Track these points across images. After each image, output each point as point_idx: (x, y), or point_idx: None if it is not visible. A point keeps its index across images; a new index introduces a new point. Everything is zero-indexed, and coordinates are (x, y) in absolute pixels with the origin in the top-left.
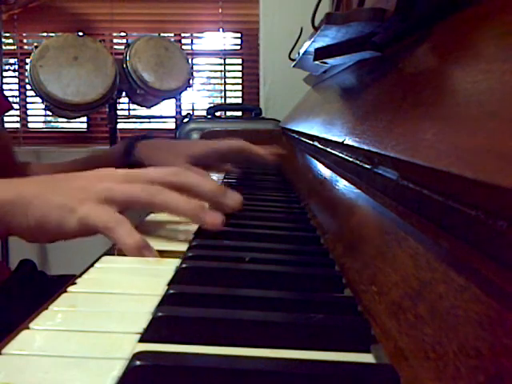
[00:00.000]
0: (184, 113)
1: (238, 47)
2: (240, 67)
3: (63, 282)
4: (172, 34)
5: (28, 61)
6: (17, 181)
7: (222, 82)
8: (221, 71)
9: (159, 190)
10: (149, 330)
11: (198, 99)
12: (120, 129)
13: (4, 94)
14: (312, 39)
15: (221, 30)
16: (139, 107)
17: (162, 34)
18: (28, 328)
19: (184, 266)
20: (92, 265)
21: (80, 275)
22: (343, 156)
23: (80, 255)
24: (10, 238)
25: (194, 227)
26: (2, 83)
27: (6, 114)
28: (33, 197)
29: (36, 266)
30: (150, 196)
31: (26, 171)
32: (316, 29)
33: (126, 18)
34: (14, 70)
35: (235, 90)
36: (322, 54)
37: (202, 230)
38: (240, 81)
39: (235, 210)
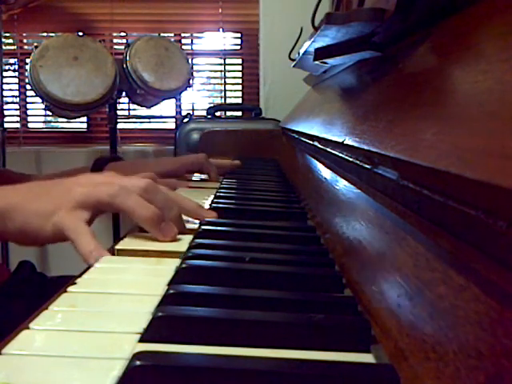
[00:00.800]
0: (184, 113)
1: (238, 47)
2: (240, 67)
3: (63, 283)
4: (172, 34)
5: (28, 61)
6: (5, 188)
7: (222, 81)
8: (221, 71)
9: (124, 193)
10: (149, 330)
11: (198, 99)
12: (120, 129)
13: None
14: (312, 39)
15: (221, 29)
16: (139, 107)
17: (162, 34)
18: (28, 328)
19: (184, 266)
20: (92, 265)
21: (80, 275)
22: (343, 156)
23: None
24: None
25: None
26: (2, 83)
27: (6, 114)
28: (17, 204)
29: (35, 267)
30: (109, 198)
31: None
32: (316, 29)
33: (126, 18)
34: (14, 70)
35: (235, 90)
36: (322, 54)
37: (203, 229)
38: (240, 81)
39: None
